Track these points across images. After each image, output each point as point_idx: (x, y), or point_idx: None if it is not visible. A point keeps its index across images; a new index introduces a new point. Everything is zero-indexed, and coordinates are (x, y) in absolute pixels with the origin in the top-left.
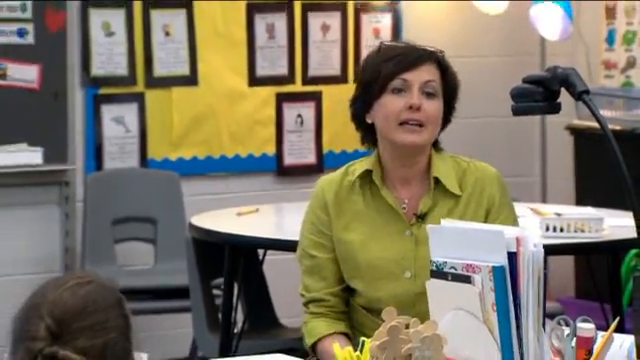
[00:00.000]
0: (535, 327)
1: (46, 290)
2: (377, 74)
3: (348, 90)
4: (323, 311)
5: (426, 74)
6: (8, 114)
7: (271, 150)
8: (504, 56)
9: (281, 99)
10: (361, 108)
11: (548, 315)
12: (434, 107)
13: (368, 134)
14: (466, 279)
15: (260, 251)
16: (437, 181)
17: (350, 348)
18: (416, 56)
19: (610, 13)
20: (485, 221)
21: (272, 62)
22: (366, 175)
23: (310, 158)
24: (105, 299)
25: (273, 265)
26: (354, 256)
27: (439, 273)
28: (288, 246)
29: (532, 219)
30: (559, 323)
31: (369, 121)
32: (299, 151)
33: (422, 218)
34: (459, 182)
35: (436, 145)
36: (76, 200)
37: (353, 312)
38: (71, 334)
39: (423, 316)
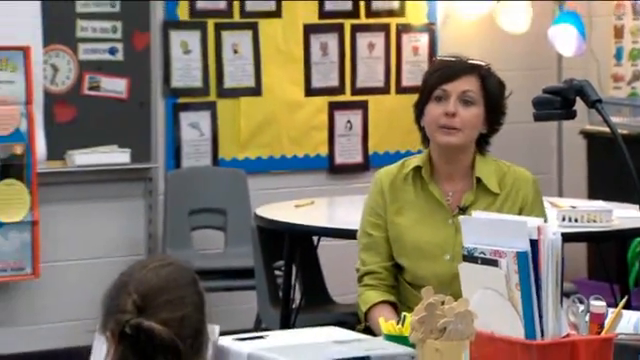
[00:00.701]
0: (554, 304)
1: (133, 270)
2: (425, 85)
3: (391, 100)
4: (375, 283)
5: (464, 84)
6: (101, 120)
7: (324, 151)
8: (526, 70)
9: (333, 107)
10: (416, 114)
11: (564, 294)
12: (470, 113)
13: (425, 136)
14: (493, 263)
15: (315, 238)
16: (479, 180)
17: (394, 321)
18: (457, 69)
19: (618, 33)
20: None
21: (325, 75)
22: (417, 170)
23: (358, 158)
24: (183, 278)
25: (326, 250)
26: (402, 237)
27: (470, 257)
28: (339, 234)
29: (551, 211)
30: (574, 301)
31: (422, 125)
32: (348, 152)
33: (464, 210)
34: (499, 182)
35: (482, 149)
36: (158, 193)
37: (400, 287)
38: (154, 308)
39: (458, 294)
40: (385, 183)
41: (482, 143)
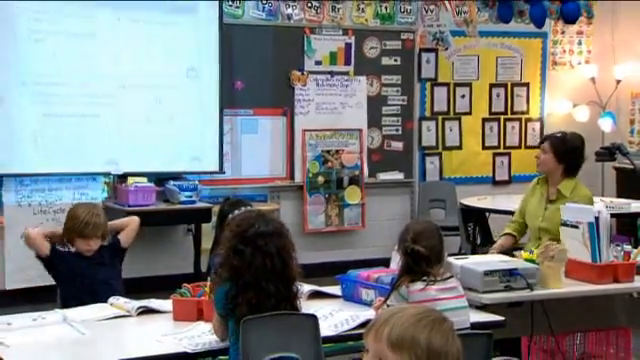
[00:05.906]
0: (606, 247)
1: (410, 224)
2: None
3: (521, 151)
4: (510, 224)
5: (544, 145)
6: (391, 160)
7: (490, 174)
8: (587, 139)
9: (495, 155)
10: None
11: (610, 241)
12: (545, 157)
13: None
14: (576, 227)
15: (486, 213)
16: (560, 190)
17: (526, 252)
18: (542, 139)
19: (632, 121)
20: None
21: (491, 140)
22: (539, 181)
23: (506, 177)
24: (432, 228)
25: (493, 219)
26: (527, 210)
27: (565, 225)
28: (499, 212)
29: (600, 203)
30: (617, 245)
31: None
32: (501, 174)
33: (551, 202)
34: (571, 191)
35: (570, 175)
36: (415, 193)
37: (529, 232)
38: (419, 240)
39: (545, 235)
40: (531, 185)
41: (568, 172)
